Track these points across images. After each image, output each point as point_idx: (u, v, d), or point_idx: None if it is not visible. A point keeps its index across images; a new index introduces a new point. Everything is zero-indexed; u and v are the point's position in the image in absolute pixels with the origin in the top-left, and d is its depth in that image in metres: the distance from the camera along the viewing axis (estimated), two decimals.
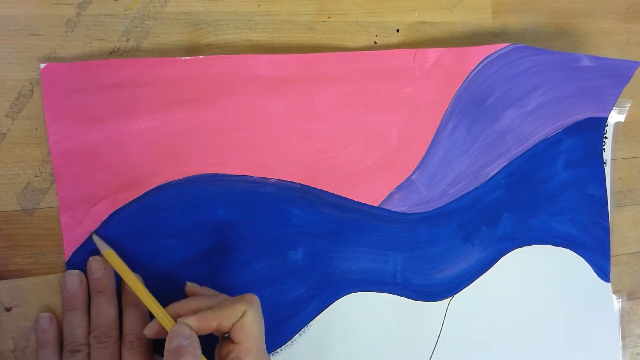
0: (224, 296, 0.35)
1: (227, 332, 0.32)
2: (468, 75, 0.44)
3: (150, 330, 0.33)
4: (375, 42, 0.43)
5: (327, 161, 0.41)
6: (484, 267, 0.46)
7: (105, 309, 0.35)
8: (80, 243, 0.36)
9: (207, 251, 0.38)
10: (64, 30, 0.36)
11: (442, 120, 0.44)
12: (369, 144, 0.42)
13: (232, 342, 0.32)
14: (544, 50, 0.46)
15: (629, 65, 0.48)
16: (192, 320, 0.32)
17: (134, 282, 0.34)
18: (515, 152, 0.46)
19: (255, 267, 0.40)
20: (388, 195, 0.43)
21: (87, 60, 0.36)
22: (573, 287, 0.49)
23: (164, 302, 0.38)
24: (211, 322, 0.32)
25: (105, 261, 0.36)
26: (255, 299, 0.33)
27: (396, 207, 0.43)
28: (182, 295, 0.38)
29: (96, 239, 0.36)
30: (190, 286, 0.37)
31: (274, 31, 0.41)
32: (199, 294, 0.36)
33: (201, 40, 0.39)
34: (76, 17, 0.37)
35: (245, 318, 0.32)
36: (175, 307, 0.33)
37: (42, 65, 0.35)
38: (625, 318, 0.51)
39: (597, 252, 0.49)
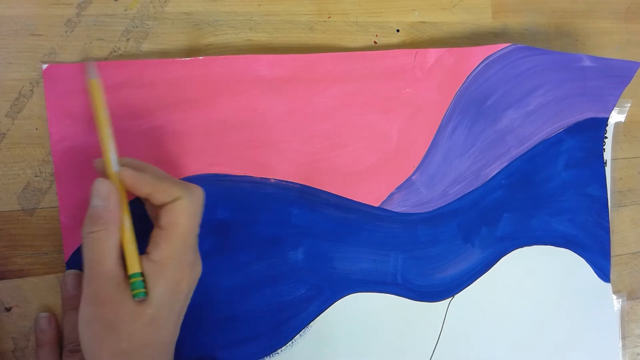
0: (172, 178, 0.33)
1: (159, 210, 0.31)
2: (468, 76, 0.44)
3: (98, 165, 0.32)
4: (375, 42, 0.43)
5: (328, 161, 0.41)
6: (484, 268, 0.46)
7: None
8: (80, 243, 0.36)
9: (207, 251, 0.38)
10: (64, 30, 0.36)
11: (442, 121, 0.44)
12: (369, 144, 0.42)
13: (158, 226, 0.31)
14: (545, 50, 0.46)
15: (629, 65, 0.48)
16: (127, 173, 0.30)
17: (102, 120, 0.32)
18: (516, 152, 0.46)
19: (255, 267, 0.40)
20: (388, 196, 0.43)
21: (87, 60, 0.36)
22: (573, 288, 0.49)
23: None
24: (145, 186, 0.30)
25: None
26: (197, 191, 0.31)
27: (396, 207, 0.43)
28: None
29: (90, 66, 0.34)
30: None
31: (274, 31, 0.41)
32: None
33: (201, 40, 0.39)
34: (76, 17, 0.37)
35: (176, 203, 0.30)
36: (129, 161, 0.32)
37: (44, 66, 0.35)
38: (625, 318, 0.51)
39: (597, 252, 0.49)
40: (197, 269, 0.33)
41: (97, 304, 0.29)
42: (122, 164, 0.31)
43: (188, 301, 0.32)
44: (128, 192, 0.31)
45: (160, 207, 0.30)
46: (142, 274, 0.30)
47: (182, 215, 0.30)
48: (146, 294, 0.29)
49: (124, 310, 0.29)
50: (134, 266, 0.30)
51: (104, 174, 0.32)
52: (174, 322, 0.31)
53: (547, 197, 0.48)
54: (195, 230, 0.31)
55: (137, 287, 0.29)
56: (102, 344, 0.29)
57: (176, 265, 0.30)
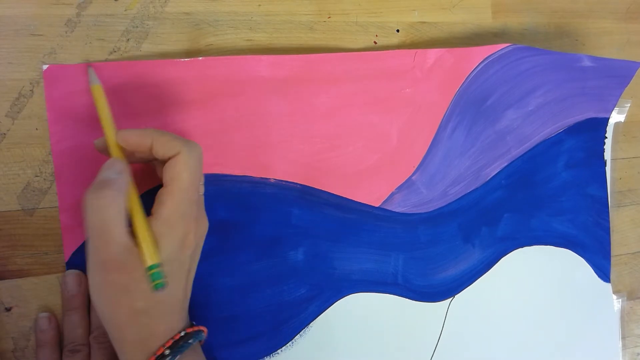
0: (174, 134, 0.34)
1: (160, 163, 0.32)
2: (468, 76, 0.44)
3: (99, 144, 0.33)
4: (375, 42, 0.43)
5: (328, 161, 0.41)
6: (485, 268, 0.46)
7: None
8: (81, 243, 0.36)
9: (207, 251, 0.38)
10: (64, 30, 0.36)
11: (442, 121, 0.44)
12: (369, 145, 0.42)
13: (163, 184, 0.31)
14: (545, 50, 0.46)
15: (629, 65, 0.48)
16: (126, 134, 0.31)
17: (106, 119, 0.33)
18: (516, 152, 0.46)
19: (255, 267, 0.40)
20: (389, 196, 0.43)
21: (87, 59, 0.36)
22: (573, 288, 0.49)
23: None
24: (146, 138, 0.31)
25: None
26: (195, 146, 0.32)
27: (397, 207, 0.43)
28: None
29: (91, 72, 0.35)
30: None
31: (274, 31, 0.41)
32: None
33: (201, 40, 0.39)
34: (76, 17, 0.37)
35: (177, 157, 0.31)
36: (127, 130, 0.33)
37: (45, 67, 0.35)
38: (625, 318, 0.51)
39: (597, 252, 0.49)
40: (204, 224, 0.34)
41: (109, 270, 0.30)
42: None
43: (197, 258, 0.33)
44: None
45: (163, 163, 0.31)
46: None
47: (183, 169, 0.31)
48: (166, 284, 0.30)
49: (137, 273, 0.29)
50: (152, 256, 0.30)
51: (105, 149, 0.33)
52: (185, 278, 0.32)
53: (547, 197, 0.48)
54: (197, 184, 0.32)
55: (156, 278, 0.30)
56: (119, 307, 0.30)
57: (181, 219, 0.31)
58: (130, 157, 0.33)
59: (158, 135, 0.31)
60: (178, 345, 0.31)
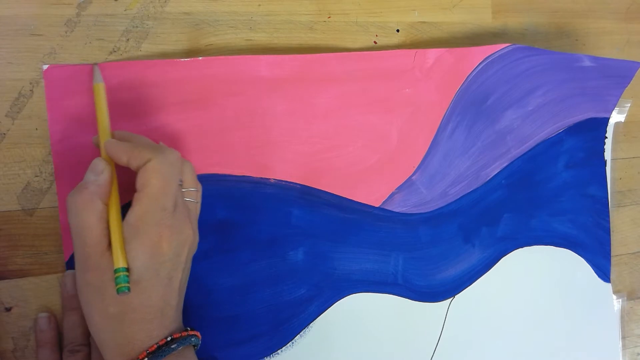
0: (153, 144, 0.34)
1: None
2: (468, 76, 0.44)
3: (95, 143, 0.34)
4: (375, 42, 0.43)
5: (328, 161, 0.41)
6: (485, 268, 0.46)
7: None
8: None
9: (207, 251, 0.38)
10: (64, 30, 0.36)
11: (442, 121, 0.44)
12: (369, 145, 0.42)
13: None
14: (545, 50, 0.46)
15: (630, 65, 0.48)
16: (109, 142, 0.32)
17: (102, 118, 0.33)
18: (516, 152, 0.46)
19: (255, 267, 0.40)
20: (389, 196, 0.43)
21: (87, 59, 0.36)
22: (573, 288, 0.49)
23: None
24: (122, 153, 0.31)
25: None
26: (169, 153, 0.32)
27: (397, 207, 0.43)
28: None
29: (96, 70, 0.35)
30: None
31: (274, 31, 0.41)
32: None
33: (201, 40, 0.39)
34: (76, 17, 0.37)
35: (147, 165, 0.30)
36: (121, 133, 0.34)
37: (45, 67, 0.35)
38: (625, 318, 0.51)
39: (597, 252, 0.49)
40: (186, 234, 0.32)
41: (84, 270, 0.30)
42: (114, 137, 0.33)
43: (181, 266, 0.32)
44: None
45: (137, 168, 0.31)
46: (127, 269, 0.30)
47: (152, 176, 0.30)
48: (129, 289, 0.30)
49: (107, 276, 0.30)
50: (118, 259, 0.30)
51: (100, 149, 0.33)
52: (163, 286, 0.31)
53: (547, 198, 0.48)
54: (170, 191, 0.31)
55: (120, 282, 0.29)
56: (93, 308, 0.31)
57: (150, 226, 0.30)
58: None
59: (132, 148, 0.31)
60: (160, 350, 0.30)
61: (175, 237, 0.31)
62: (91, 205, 0.30)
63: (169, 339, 0.31)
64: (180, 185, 0.33)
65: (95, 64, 0.36)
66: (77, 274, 0.31)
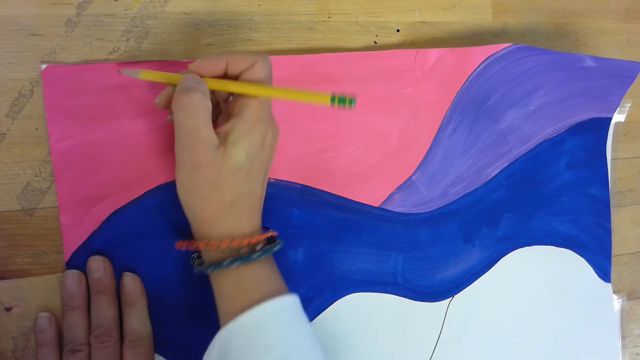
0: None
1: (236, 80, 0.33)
2: (469, 76, 0.44)
3: (160, 98, 0.34)
4: (375, 42, 0.43)
5: (328, 161, 0.41)
6: (485, 268, 0.46)
7: (106, 309, 0.35)
8: (80, 243, 0.36)
9: None
10: (64, 30, 0.36)
11: (443, 121, 0.44)
12: (370, 145, 0.42)
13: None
14: (546, 50, 0.46)
15: (632, 65, 0.48)
16: (201, 62, 0.33)
17: (167, 74, 0.34)
18: (517, 152, 0.46)
19: None
20: (389, 196, 0.43)
21: (87, 59, 0.36)
22: (573, 288, 0.49)
23: (164, 303, 0.38)
24: (221, 62, 0.33)
25: (105, 260, 0.36)
26: (268, 59, 0.33)
27: (397, 207, 0.43)
28: (182, 295, 0.38)
29: (128, 72, 0.35)
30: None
31: (274, 31, 0.41)
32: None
33: (201, 40, 0.39)
34: (76, 17, 0.37)
35: (257, 66, 0.32)
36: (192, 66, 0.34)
37: (43, 66, 0.35)
38: (625, 318, 0.51)
39: (597, 252, 0.49)
40: (276, 128, 0.35)
41: (199, 168, 0.32)
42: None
43: (271, 160, 0.36)
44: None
45: (239, 75, 0.33)
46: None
47: (264, 74, 0.33)
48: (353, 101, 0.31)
49: (225, 168, 0.32)
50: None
51: (167, 104, 0.34)
52: (264, 176, 0.35)
53: (548, 198, 0.48)
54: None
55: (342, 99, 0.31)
56: (209, 202, 0.32)
57: (262, 121, 0.33)
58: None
59: (231, 54, 0.33)
60: (264, 246, 0.33)
61: (275, 132, 0.35)
62: (203, 104, 0.31)
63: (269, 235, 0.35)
64: None
65: (119, 69, 0.36)
66: (185, 175, 0.32)
